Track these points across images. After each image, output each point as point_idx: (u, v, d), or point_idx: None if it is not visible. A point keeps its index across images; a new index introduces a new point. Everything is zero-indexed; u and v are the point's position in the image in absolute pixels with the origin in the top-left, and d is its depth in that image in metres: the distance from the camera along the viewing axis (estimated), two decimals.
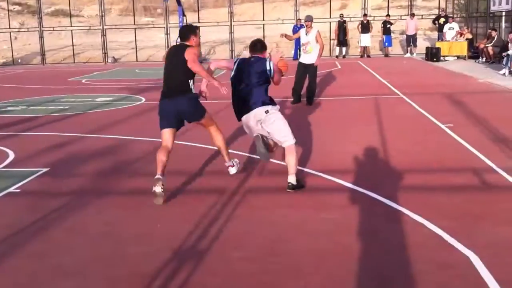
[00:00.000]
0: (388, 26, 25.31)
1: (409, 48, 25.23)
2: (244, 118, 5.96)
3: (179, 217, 5.09)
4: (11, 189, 6.06)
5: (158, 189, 5.32)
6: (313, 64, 11.56)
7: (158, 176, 5.43)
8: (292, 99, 11.86)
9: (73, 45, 28.83)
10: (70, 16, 31.98)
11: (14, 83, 18.04)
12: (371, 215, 5.00)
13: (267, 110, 5.80)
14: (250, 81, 5.88)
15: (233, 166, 6.30)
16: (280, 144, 5.88)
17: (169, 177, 6.41)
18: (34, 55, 29.82)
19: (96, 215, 5.20)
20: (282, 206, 5.31)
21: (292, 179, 5.69)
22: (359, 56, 25.67)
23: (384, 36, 25.62)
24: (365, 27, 24.81)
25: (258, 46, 6.19)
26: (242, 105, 5.94)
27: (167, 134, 5.81)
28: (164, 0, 24.41)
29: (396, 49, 27.38)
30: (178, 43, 6.57)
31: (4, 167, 7.15)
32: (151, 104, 12.53)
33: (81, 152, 7.92)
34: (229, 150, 6.47)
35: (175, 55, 5.93)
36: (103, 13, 28.16)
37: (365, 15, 25.44)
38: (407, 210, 5.01)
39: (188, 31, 6.07)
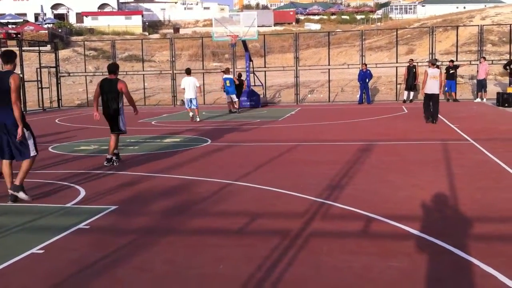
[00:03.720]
0: (452, 71, 24.92)
1: (479, 93, 24.62)
2: None
3: (241, 258, 5.08)
4: (81, 225, 6.27)
5: None
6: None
7: None
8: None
9: (144, 88, 29.96)
10: (143, 61, 33.35)
11: (88, 124, 18.84)
12: (439, 264, 4.82)
13: None
14: None
15: None
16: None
17: (233, 218, 6.46)
18: None
19: (161, 254, 5.28)
20: (345, 252, 5.21)
21: None
22: None
23: (446, 81, 25.25)
24: None
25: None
26: None
27: None
28: (231, 46, 25.04)
29: (465, 94, 26.77)
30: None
31: (75, 204, 7.42)
32: (217, 145, 12.78)
33: (148, 191, 8.13)
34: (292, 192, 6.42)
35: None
36: (173, 59, 29.19)
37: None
38: (477, 260, 4.80)
39: None
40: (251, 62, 25.15)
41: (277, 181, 8.53)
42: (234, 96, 21.92)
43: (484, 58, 25.00)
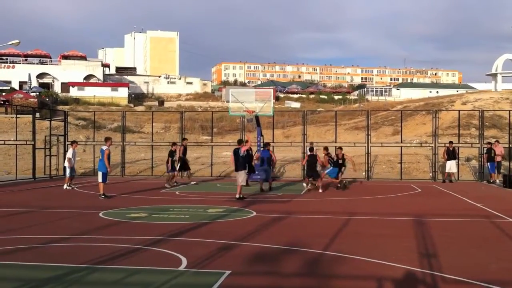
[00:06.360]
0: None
1: (492, 175, 24.95)
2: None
3: None
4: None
5: None
6: None
7: None
8: None
9: (152, 158, 30.36)
10: (124, 132, 33.82)
11: (115, 192, 18.74)
12: None
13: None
14: None
15: None
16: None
17: None
18: (113, 167, 31.26)
19: None
20: None
21: None
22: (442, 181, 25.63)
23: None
24: (451, 154, 25.33)
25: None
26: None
27: None
28: (248, 121, 25.90)
29: (464, 175, 27.72)
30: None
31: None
32: (265, 216, 13.13)
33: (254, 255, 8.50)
34: None
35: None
36: (163, 130, 29.76)
37: (450, 142, 25.96)
38: None
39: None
40: (262, 137, 25.82)
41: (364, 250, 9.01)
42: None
43: (498, 141, 26.26)
